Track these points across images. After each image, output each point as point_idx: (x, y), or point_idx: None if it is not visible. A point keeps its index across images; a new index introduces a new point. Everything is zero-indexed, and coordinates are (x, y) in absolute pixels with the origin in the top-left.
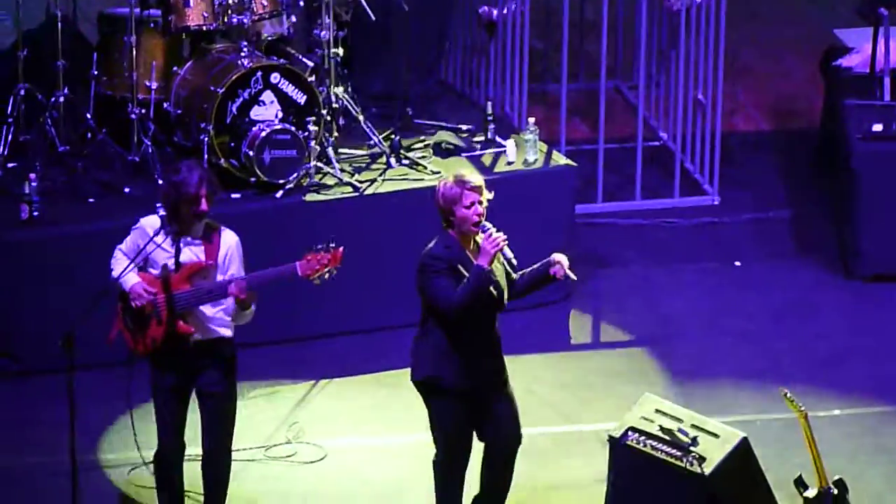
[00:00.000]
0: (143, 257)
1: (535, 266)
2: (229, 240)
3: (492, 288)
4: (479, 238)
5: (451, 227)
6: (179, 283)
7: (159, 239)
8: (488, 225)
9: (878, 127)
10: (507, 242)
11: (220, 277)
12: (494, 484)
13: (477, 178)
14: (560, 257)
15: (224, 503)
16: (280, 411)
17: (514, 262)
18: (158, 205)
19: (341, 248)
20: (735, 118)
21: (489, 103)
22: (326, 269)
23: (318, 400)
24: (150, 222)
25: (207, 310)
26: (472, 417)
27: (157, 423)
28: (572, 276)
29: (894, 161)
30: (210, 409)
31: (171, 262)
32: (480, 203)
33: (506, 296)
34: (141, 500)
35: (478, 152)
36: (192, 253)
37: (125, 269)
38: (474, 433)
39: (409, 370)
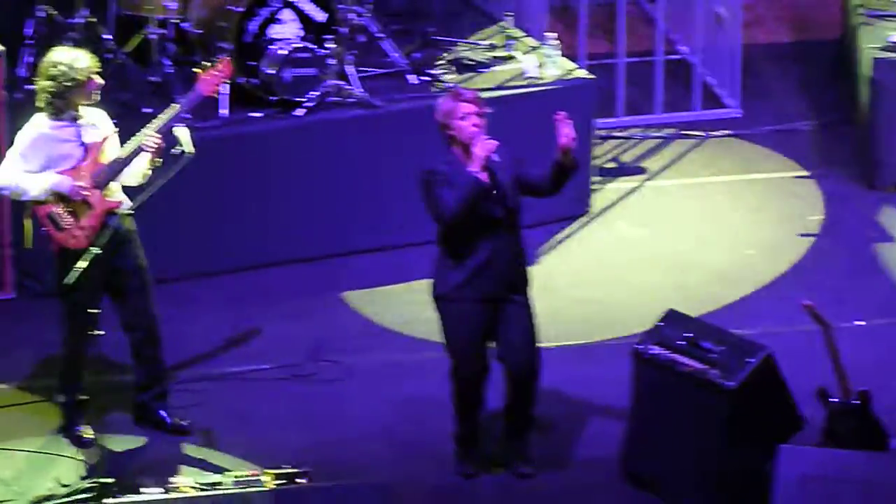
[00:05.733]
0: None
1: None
2: (97, 111)
3: (490, 196)
4: None
5: (452, 143)
6: (95, 164)
7: (65, 133)
8: (481, 133)
9: None
10: (495, 147)
11: (113, 143)
12: (514, 403)
13: (471, 92)
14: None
15: (161, 355)
16: (303, 330)
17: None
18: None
19: (226, 57)
20: (755, 30)
21: (509, 18)
22: (224, 80)
23: (342, 318)
24: (40, 122)
25: (114, 183)
26: (480, 330)
27: (79, 317)
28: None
29: None
30: (137, 281)
31: (76, 150)
32: (477, 115)
33: (516, 207)
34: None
35: (498, 68)
36: (91, 131)
37: (42, 176)
38: (490, 345)
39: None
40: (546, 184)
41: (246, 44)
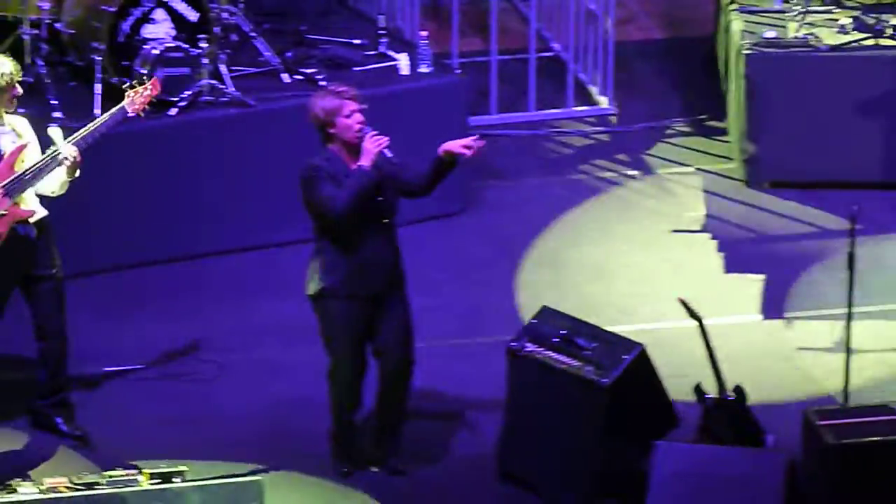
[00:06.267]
0: None
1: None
2: (19, 119)
3: (377, 192)
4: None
5: (330, 141)
6: (8, 172)
7: None
8: (369, 129)
9: (770, 33)
10: (388, 144)
11: (32, 152)
12: (387, 400)
13: (352, 89)
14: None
15: (66, 364)
16: (179, 329)
17: (395, 162)
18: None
19: (155, 77)
20: (628, 27)
21: (381, 17)
22: (151, 99)
23: (218, 317)
24: None
25: (30, 191)
26: (361, 328)
27: None
28: (470, 146)
29: (787, 67)
30: (49, 289)
31: None
32: (361, 111)
33: (395, 204)
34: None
35: (370, 66)
36: (7, 139)
37: None
38: (367, 345)
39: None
40: (422, 183)
41: (119, 44)
